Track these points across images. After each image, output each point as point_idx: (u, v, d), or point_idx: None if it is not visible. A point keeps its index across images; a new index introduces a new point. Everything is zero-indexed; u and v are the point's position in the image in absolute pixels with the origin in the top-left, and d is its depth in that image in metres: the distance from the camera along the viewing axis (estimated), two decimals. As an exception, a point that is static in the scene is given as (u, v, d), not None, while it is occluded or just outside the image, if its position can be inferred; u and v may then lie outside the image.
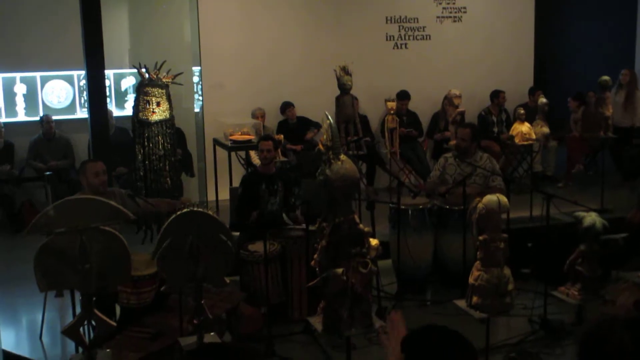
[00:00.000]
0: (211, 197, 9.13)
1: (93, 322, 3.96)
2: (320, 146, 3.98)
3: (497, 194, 4.43)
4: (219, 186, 8.88)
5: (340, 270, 3.90)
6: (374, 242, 4.10)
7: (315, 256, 4.04)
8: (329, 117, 4.00)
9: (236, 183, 7.45)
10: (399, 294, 6.75)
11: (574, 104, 10.17)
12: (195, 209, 3.97)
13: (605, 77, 8.77)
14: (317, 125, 9.68)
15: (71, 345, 5.03)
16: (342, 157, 3.91)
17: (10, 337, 6.16)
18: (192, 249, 3.93)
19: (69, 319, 4.81)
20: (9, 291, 6.74)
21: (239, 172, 8.32)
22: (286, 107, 9.78)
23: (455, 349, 2.28)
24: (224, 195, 8.27)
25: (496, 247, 4.36)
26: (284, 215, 6.95)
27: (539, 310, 6.02)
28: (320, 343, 5.77)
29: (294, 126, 9.77)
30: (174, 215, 3.97)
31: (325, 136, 3.98)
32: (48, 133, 9.55)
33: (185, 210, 3.95)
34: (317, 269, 4.05)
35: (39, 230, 3.85)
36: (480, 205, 4.37)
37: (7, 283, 6.78)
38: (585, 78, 10.67)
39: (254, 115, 9.44)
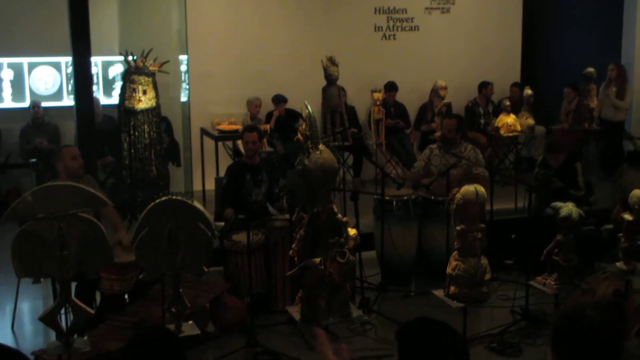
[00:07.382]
0: (197, 187, 9.12)
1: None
2: (300, 136, 3.98)
3: (475, 185, 4.45)
4: (205, 176, 8.87)
5: (318, 259, 3.92)
6: (352, 232, 4.12)
7: (294, 246, 4.05)
8: (308, 107, 4.01)
9: (223, 173, 7.44)
10: (383, 285, 6.77)
11: (572, 94, 9.94)
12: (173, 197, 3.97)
13: (590, 69, 8.76)
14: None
15: (53, 333, 5.03)
16: (321, 146, 3.93)
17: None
18: (170, 237, 3.94)
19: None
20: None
21: (225, 162, 8.29)
22: (278, 102, 9.57)
23: (446, 340, 2.33)
24: (211, 185, 8.25)
25: (473, 237, 4.38)
26: (268, 205, 6.96)
27: (520, 301, 6.06)
28: (303, 333, 5.78)
29: (282, 118, 9.70)
30: (152, 203, 3.97)
31: (304, 126, 3.99)
32: (37, 119, 9.51)
33: (163, 198, 3.95)
34: (295, 259, 4.07)
35: (17, 217, 3.85)
36: (458, 195, 4.39)
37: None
38: (571, 70, 10.65)
39: (250, 104, 9.35)
